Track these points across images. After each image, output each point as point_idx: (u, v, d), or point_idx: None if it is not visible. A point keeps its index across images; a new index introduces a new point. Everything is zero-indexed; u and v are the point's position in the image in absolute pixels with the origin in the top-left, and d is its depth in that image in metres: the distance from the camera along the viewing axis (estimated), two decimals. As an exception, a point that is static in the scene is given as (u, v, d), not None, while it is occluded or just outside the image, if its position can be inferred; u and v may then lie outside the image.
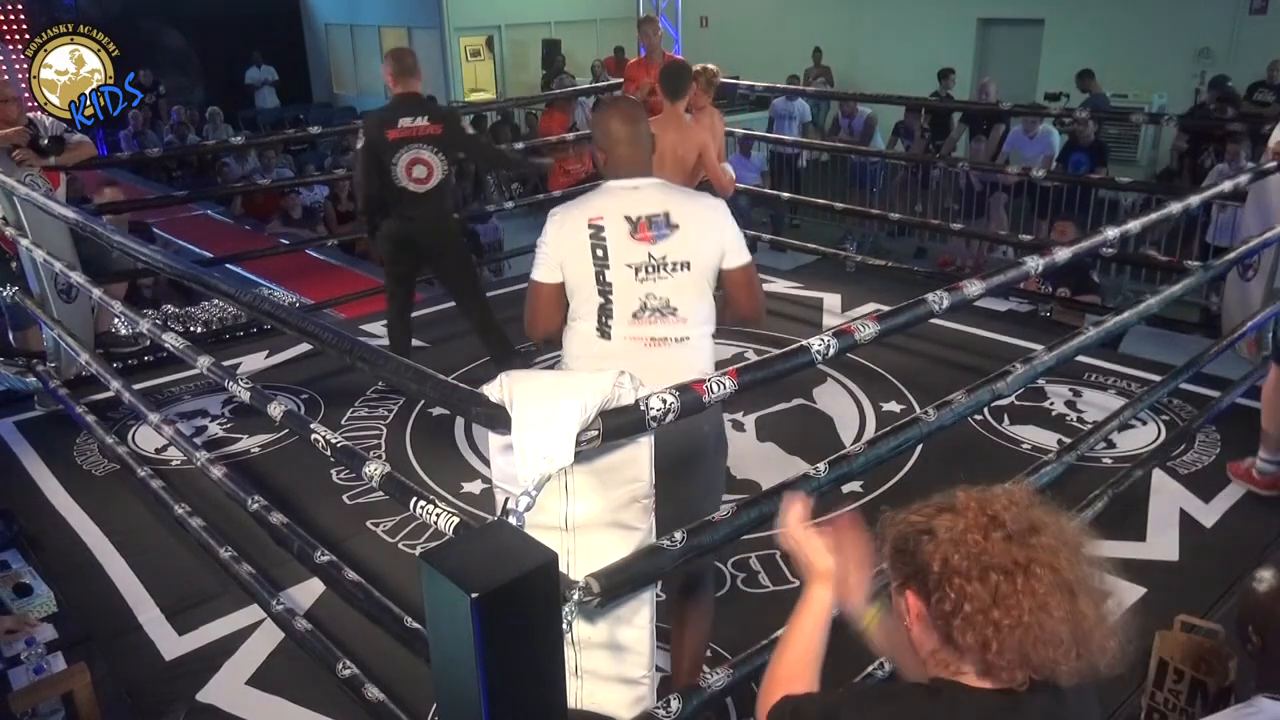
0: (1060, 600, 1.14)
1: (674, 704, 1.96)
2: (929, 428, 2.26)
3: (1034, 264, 2.46)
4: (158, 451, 4.03)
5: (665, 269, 2.37)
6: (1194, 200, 3.25)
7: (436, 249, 4.39)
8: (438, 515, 1.72)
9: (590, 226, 2.36)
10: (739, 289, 2.52)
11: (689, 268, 2.38)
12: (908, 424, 2.27)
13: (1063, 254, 2.56)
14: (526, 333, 2.61)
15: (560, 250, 2.39)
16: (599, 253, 2.35)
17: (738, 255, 2.48)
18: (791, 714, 1.33)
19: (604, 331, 2.40)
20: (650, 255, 2.36)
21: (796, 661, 1.42)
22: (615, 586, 1.71)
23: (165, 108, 13.14)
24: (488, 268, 8.58)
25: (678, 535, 1.80)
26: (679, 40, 8.39)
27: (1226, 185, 3.54)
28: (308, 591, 3.07)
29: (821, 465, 2.09)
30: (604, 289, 2.37)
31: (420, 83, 4.33)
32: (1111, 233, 2.78)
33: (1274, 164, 3.72)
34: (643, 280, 2.36)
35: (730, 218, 2.51)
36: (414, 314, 5.69)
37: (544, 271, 2.43)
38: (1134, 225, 2.94)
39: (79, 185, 6.53)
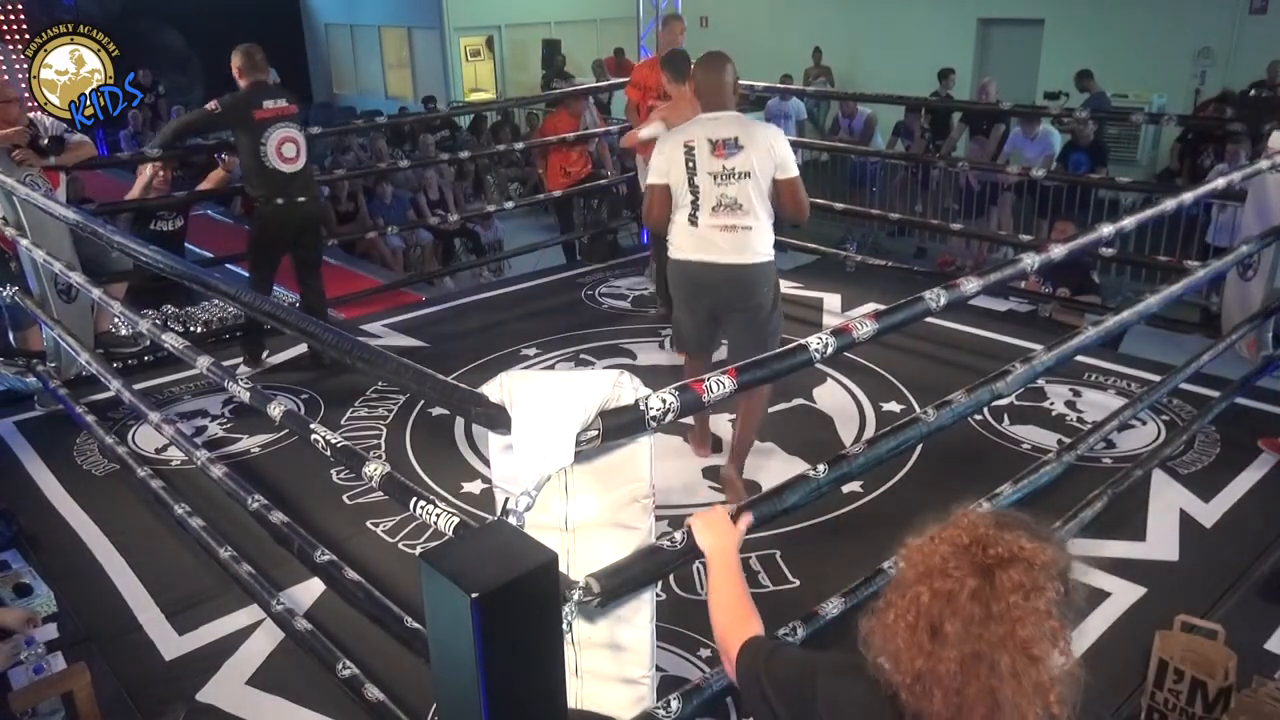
0: (918, 636, 1.12)
1: (674, 704, 1.96)
2: (929, 428, 2.27)
3: (1030, 261, 2.46)
4: (158, 451, 4.03)
5: (734, 177, 3.39)
6: (1187, 197, 3.25)
7: (311, 229, 4.76)
8: (438, 515, 1.72)
9: (684, 147, 3.42)
10: (785, 195, 3.46)
11: (749, 176, 3.39)
12: (907, 424, 2.27)
13: (1058, 251, 2.56)
14: (644, 221, 4.11)
15: (666, 163, 3.46)
16: (690, 164, 3.41)
17: (786, 170, 3.44)
18: (768, 657, 1.41)
19: (694, 221, 3.46)
20: (724, 167, 3.38)
21: (735, 606, 1.57)
22: (615, 587, 1.71)
23: (165, 108, 13.13)
24: (488, 268, 8.59)
25: (678, 536, 1.81)
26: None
27: (1220, 182, 3.55)
28: (308, 591, 3.07)
29: (821, 466, 2.09)
30: (694, 189, 3.42)
31: (269, 77, 4.64)
32: (1107, 230, 2.78)
33: (1266, 163, 3.72)
34: (719, 185, 3.39)
35: (784, 142, 3.47)
36: (414, 314, 5.74)
37: (656, 177, 3.52)
38: (1129, 222, 2.95)
39: (79, 185, 6.53)
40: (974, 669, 1.09)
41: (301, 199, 4.64)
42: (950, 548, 1.15)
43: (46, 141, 4.44)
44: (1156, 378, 3.82)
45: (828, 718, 1.30)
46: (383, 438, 4.17)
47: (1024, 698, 1.09)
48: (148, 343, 4.73)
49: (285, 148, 4.55)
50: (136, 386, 3.68)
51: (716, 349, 3.91)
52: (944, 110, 10.07)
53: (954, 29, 12.65)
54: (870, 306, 5.37)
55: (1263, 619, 2.86)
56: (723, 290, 3.50)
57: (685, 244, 3.51)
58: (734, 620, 1.54)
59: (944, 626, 1.11)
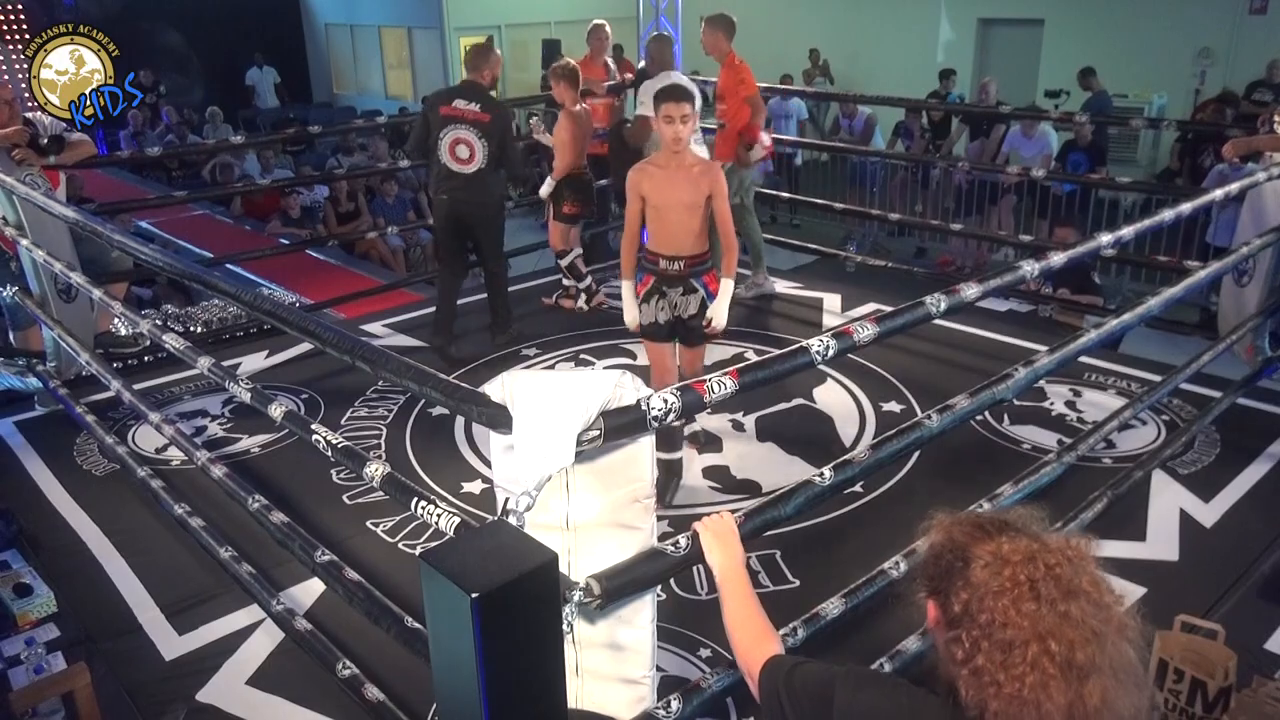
0: (1064, 684, 1.11)
1: (674, 704, 1.96)
2: (931, 432, 2.27)
3: (1030, 268, 2.48)
4: (158, 451, 4.03)
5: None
6: (1185, 208, 3.25)
7: (478, 227, 4.94)
8: (438, 515, 1.72)
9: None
10: None
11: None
12: (910, 428, 2.27)
13: (1058, 259, 2.58)
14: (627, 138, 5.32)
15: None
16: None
17: None
18: (787, 675, 1.43)
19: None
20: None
21: (753, 624, 1.59)
22: (617, 589, 1.71)
23: (165, 107, 13.14)
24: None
25: (682, 541, 1.80)
26: (679, 40, 8.38)
27: (1218, 194, 3.57)
28: (308, 591, 3.07)
29: (827, 471, 2.09)
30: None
31: (486, 77, 4.85)
32: (1106, 238, 2.80)
33: (1264, 174, 3.72)
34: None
35: None
36: (414, 314, 5.74)
37: (647, 110, 4.60)
38: (1127, 231, 2.95)
39: (79, 184, 6.53)
40: (1116, 679, 1.12)
41: (454, 193, 4.77)
42: (1019, 588, 1.15)
43: (46, 141, 4.44)
44: (1157, 378, 3.82)
45: None
46: (383, 438, 4.17)
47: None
48: (148, 343, 4.73)
49: (459, 149, 4.70)
50: (136, 386, 3.68)
51: None
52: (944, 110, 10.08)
53: (954, 29, 12.65)
54: (870, 306, 5.37)
55: (1263, 619, 2.86)
56: None
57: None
58: (755, 639, 1.56)
59: (1087, 674, 1.11)
